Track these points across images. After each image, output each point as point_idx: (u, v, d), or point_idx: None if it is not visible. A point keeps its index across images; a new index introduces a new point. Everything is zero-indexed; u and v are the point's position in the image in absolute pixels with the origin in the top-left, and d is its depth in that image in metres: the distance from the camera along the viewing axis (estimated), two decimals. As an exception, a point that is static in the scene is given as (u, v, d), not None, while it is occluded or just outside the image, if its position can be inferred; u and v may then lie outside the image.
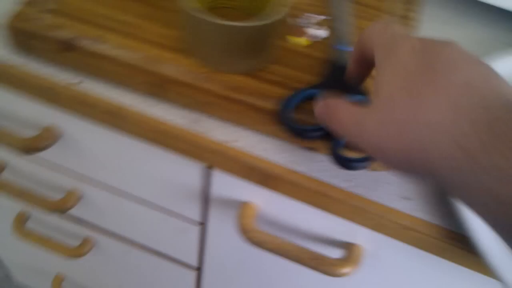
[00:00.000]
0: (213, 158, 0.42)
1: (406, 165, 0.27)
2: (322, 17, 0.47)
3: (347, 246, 0.48)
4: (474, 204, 0.24)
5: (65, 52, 0.41)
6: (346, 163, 0.36)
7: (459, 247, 0.39)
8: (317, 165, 0.41)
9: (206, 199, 0.54)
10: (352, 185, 0.40)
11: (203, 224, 0.59)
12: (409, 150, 0.26)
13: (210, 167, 0.47)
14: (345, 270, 0.46)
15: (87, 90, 0.42)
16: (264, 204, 0.49)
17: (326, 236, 0.49)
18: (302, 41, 0.45)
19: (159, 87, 0.41)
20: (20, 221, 0.75)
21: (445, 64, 0.27)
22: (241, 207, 0.49)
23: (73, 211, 0.66)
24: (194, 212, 0.57)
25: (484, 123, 0.23)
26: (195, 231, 0.60)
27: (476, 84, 0.25)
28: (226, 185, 0.49)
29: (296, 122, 0.39)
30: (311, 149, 0.41)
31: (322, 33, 0.45)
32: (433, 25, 0.52)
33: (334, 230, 0.48)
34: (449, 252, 0.40)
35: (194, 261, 0.69)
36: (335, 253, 0.50)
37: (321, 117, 0.34)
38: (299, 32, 0.46)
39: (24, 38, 0.42)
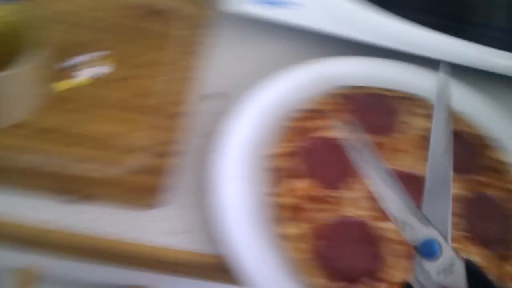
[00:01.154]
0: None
1: None
2: (101, 53, 0.45)
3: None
4: None
5: None
6: None
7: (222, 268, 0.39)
8: (83, 217, 0.40)
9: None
10: (121, 231, 0.40)
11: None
12: None
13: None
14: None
15: None
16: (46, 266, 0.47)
17: (115, 284, 0.49)
18: (83, 81, 0.42)
19: None
20: None
21: None
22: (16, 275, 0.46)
23: None
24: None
25: None
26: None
27: None
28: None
29: None
30: (73, 201, 0.40)
31: (104, 69, 0.44)
32: (227, 47, 0.53)
33: (121, 277, 0.48)
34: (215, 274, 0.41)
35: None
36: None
37: None
38: (67, 75, 0.43)
39: None
